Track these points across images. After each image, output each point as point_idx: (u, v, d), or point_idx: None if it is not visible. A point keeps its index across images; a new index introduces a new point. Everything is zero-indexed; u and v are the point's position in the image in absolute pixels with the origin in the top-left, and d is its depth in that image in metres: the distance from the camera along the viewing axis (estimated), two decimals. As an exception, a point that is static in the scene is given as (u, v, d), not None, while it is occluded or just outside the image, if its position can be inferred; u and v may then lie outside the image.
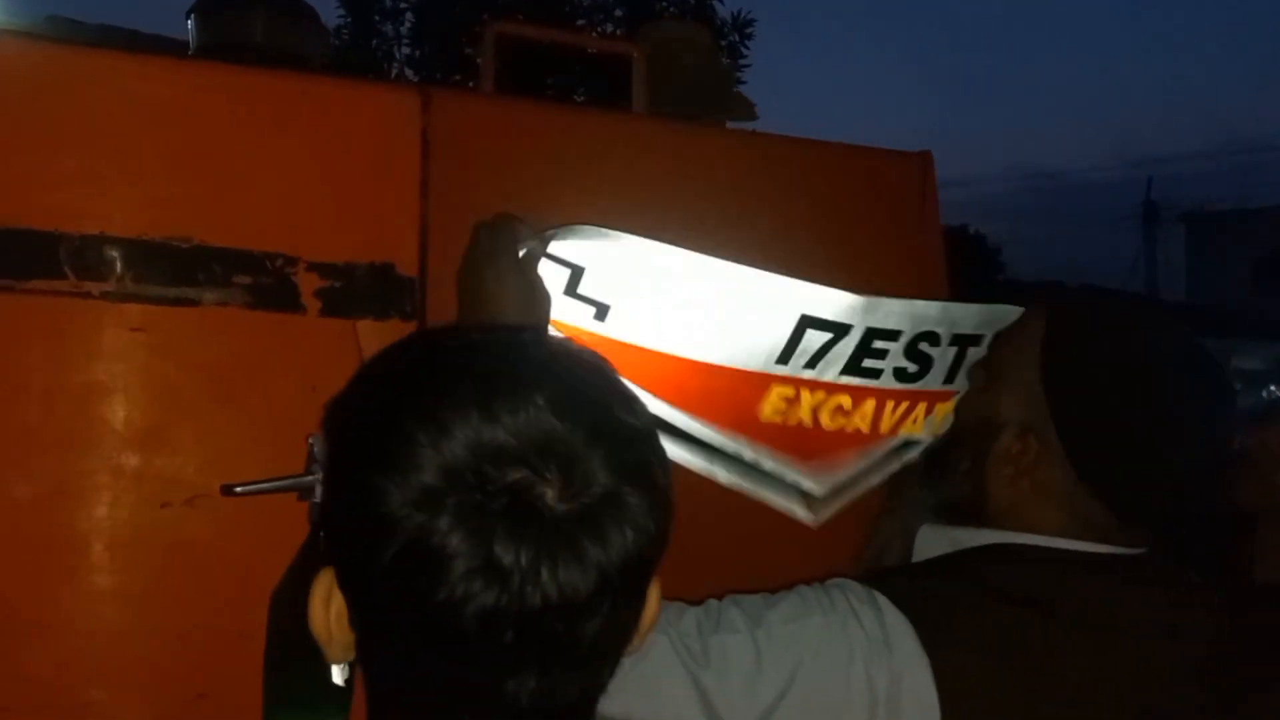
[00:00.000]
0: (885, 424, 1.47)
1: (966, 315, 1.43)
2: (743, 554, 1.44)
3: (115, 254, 1.25)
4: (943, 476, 1.19)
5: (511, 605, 0.62)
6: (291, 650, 1.24)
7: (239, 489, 1.27)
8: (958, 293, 1.59)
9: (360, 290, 1.36)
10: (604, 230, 1.24)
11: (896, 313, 1.39)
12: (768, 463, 1.42)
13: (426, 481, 0.63)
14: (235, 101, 1.32)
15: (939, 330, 1.42)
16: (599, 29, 9.33)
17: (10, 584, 1.21)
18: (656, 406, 1.33)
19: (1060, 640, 1.00)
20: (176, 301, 1.27)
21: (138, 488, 1.25)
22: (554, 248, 1.23)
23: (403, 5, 10.21)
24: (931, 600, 1.02)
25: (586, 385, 0.69)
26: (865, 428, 1.46)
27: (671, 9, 9.74)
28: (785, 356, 1.36)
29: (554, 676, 0.67)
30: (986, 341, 1.42)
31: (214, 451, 1.28)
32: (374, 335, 1.36)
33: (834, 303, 1.35)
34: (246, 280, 1.30)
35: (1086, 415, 1.06)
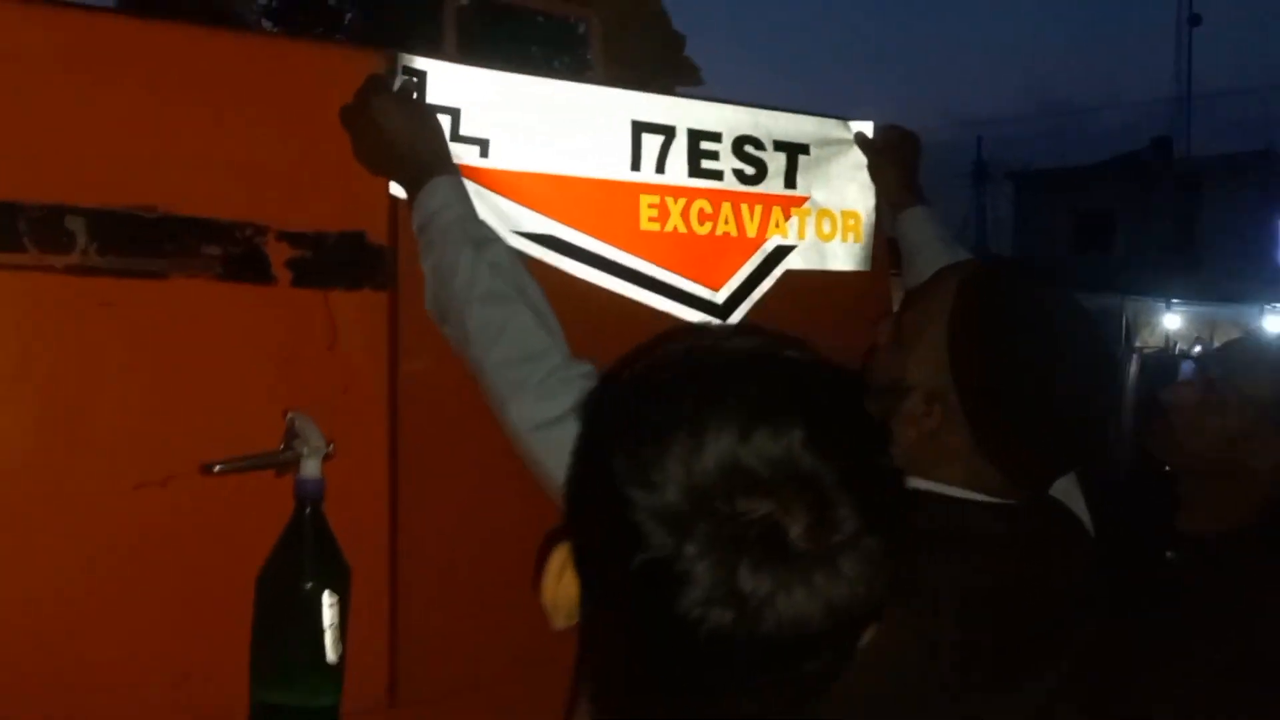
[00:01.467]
0: (751, 228, 1.69)
1: (780, 123, 1.70)
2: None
3: (78, 225, 1.18)
4: None
5: (743, 629, 0.64)
6: (282, 629, 1.22)
7: (217, 467, 1.23)
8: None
9: (332, 260, 1.32)
10: (472, 68, 1.41)
11: (712, 115, 1.63)
12: (660, 274, 1.59)
13: (674, 501, 0.64)
14: (206, 64, 1.26)
15: (758, 135, 1.67)
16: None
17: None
18: (551, 227, 1.49)
19: (943, 557, 1.07)
20: (143, 274, 1.22)
21: (111, 468, 1.20)
22: (430, 93, 1.37)
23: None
24: None
25: (847, 418, 0.70)
26: (734, 231, 1.67)
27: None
28: (636, 163, 1.56)
29: (768, 703, 0.68)
30: (815, 151, 1.74)
31: (189, 429, 1.24)
32: (346, 307, 1.33)
33: (654, 106, 1.57)
34: (215, 251, 1.25)
35: (988, 389, 1.12)
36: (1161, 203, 22.29)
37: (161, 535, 1.23)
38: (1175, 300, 16.94)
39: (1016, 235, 25.72)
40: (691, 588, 0.63)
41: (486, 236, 1.29)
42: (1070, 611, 1.18)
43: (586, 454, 0.73)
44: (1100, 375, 1.16)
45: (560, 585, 0.75)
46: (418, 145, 1.30)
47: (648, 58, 1.63)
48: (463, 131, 1.41)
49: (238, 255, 1.27)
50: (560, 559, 0.75)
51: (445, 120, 1.39)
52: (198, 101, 1.25)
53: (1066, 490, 1.26)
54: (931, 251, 1.70)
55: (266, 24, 9.18)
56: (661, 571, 0.64)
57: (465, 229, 1.27)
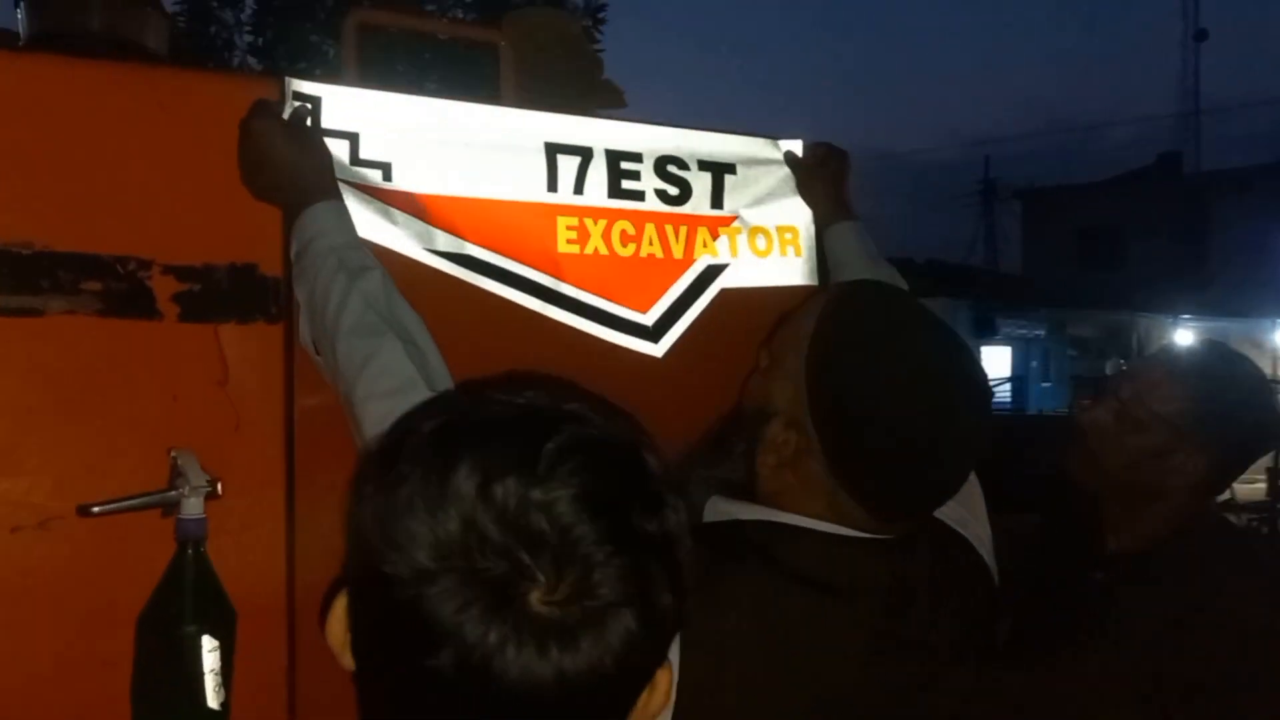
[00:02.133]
0: (677, 249, 1.65)
1: (705, 143, 1.67)
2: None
3: (-53, 262, 1.15)
4: (721, 457, 1.19)
5: (468, 678, 0.62)
6: (162, 674, 1.18)
7: (96, 509, 1.19)
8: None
9: (221, 293, 1.29)
10: (367, 91, 1.39)
11: (631, 136, 1.59)
12: (583, 296, 1.55)
13: (421, 560, 0.63)
14: (79, 94, 1.23)
15: (681, 155, 1.64)
16: (449, 17, 9.15)
17: None
18: (465, 247, 1.45)
19: (806, 602, 1.04)
20: (19, 312, 1.19)
21: (-16, 512, 1.16)
22: (326, 118, 1.35)
23: (241, -10, 9.80)
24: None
25: (612, 478, 0.66)
26: (659, 252, 1.63)
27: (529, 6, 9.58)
28: (552, 184, 1.53)
29: None
30: (742, 171, 1.70)
31: (67, 470, 1.20)
32: (238, 341, 1.30)
33: (570, 128, 1.54)
34: (96, 286, 1.22)
35: (839, 419, 1.08)
36: (1170, 218, 22.20)
37: (39, 579, 1.19)
38: (1185, 316, 16.85)
39: (1025, 253, 25.66)
40: (430, 635, 0.62)
41: (363, 265, 1.24)
42: (949, 659, 1.11)
43: (352, 506, 0.70)
44: (959, 400, 1.08)
45: (343, 627, 0.72)
46: (300, 170, 1.27)
47: (566, 81, 1.60)
48: (362, 155, 1.39)
49: (121, 290, 1.24)
50: (342, 604, 0.73)
51: (343, 145, 1.37)
52: (78, 133, 1.22)
53: (963, 518, 1.21)
54: (856, 267, 1.65)
55: (252, 62, 9.24)
56: (407, 618, 0.63)
57: (341, 256, 1.23)
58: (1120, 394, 1.53)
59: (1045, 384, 18.51)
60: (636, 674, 0.68)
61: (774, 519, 1.10)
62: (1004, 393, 16.66)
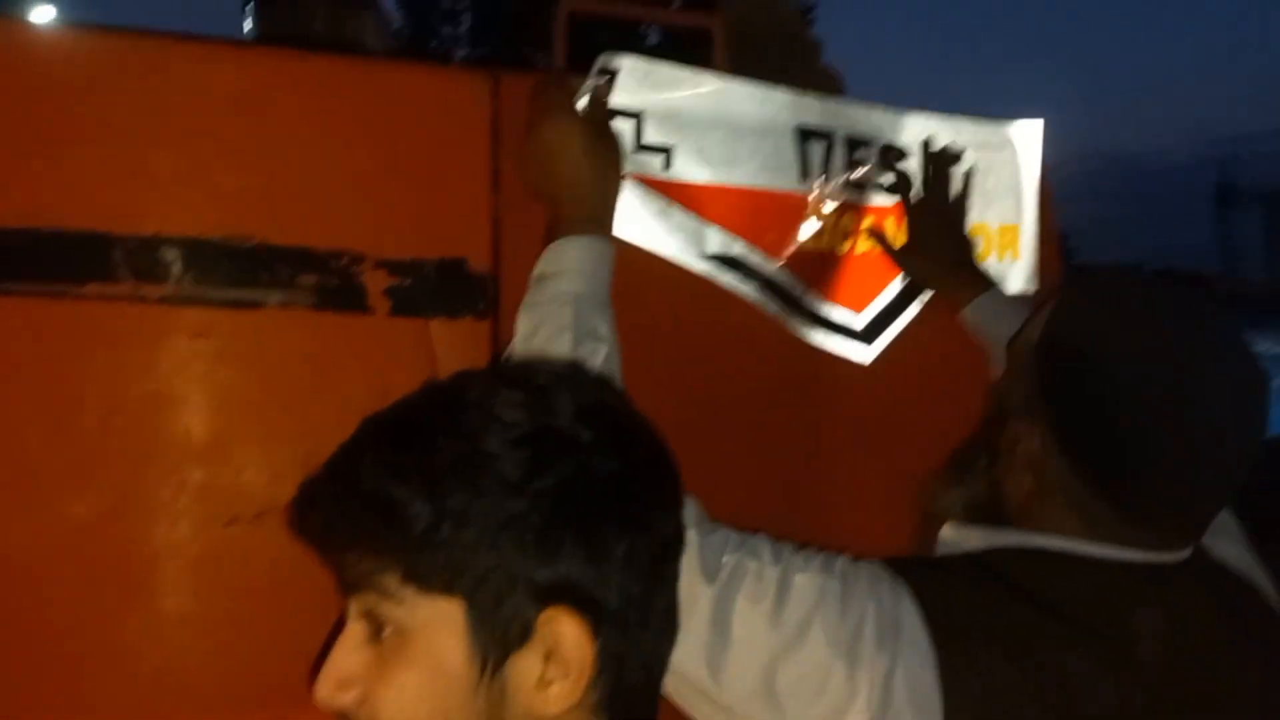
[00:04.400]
0: (898, 245, 1.52)
1: (934, 127, 1.52)
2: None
3: (173, 255, 1.17)
4: (965, 476, 1.07)
5: None
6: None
7: (308, 503, 1.19)
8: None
9: (431, 288, 1.27)
10: (648, 64, 1.30)
11: (866, 120, 1.48)
12: (809, 296, 1.46)
13: None
14: (295, 90, 1.23)
15: (908, 142, 1.51)
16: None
17: (73, 607, 1.14)
18: (734, 247, 1.38)
19: (1072, 648, 0.90)
20: (239, 304, 1.20)
21: (202, 504, 1.18)
22: (615, 97, 1.27)
23: (460, 8, 10.19)
24: (947, 593, 0.93)
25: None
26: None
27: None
28: (804, 172, 1.43)
29: None
30: (969, 157, 1.54)
31: (283, 463, 1.20)
32: (447, 336, 1.28)
33: (816, 109, 1.44)
34: (311, 280, 1.22)
35: (1074, 395, 0.94)
36: None
37: (255, 572, 1.20)
38: None
39: (1268, 262, 23.73)
40: None
41: (594, 333, 1.12)
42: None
43: None
44: (1219, 365, 0.92)
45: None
46: (580, 189, 1.18)
47: (782, 68, 1.51)
48: (645, 139, 1.32)
49: (334, 285, 1.23)
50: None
51: (629, 125, 1.30)
52: (294, 128, 1.23)
53: (1239, 555, 1.04)
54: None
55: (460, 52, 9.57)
56: None
57: (577, 311, 1.12)
58: None
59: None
60: None
61: (1025, 544, 0.97)
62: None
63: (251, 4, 1.55)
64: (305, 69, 1.26)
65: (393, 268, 1.25)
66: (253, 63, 1.24)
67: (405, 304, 1.26)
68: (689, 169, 1.35)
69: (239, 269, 1.20)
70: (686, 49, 1.43)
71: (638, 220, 1.31)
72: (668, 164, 1.33)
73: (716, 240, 1.37)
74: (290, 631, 1.20)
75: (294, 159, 1.23)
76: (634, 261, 1.27)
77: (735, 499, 1.08)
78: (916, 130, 1.52)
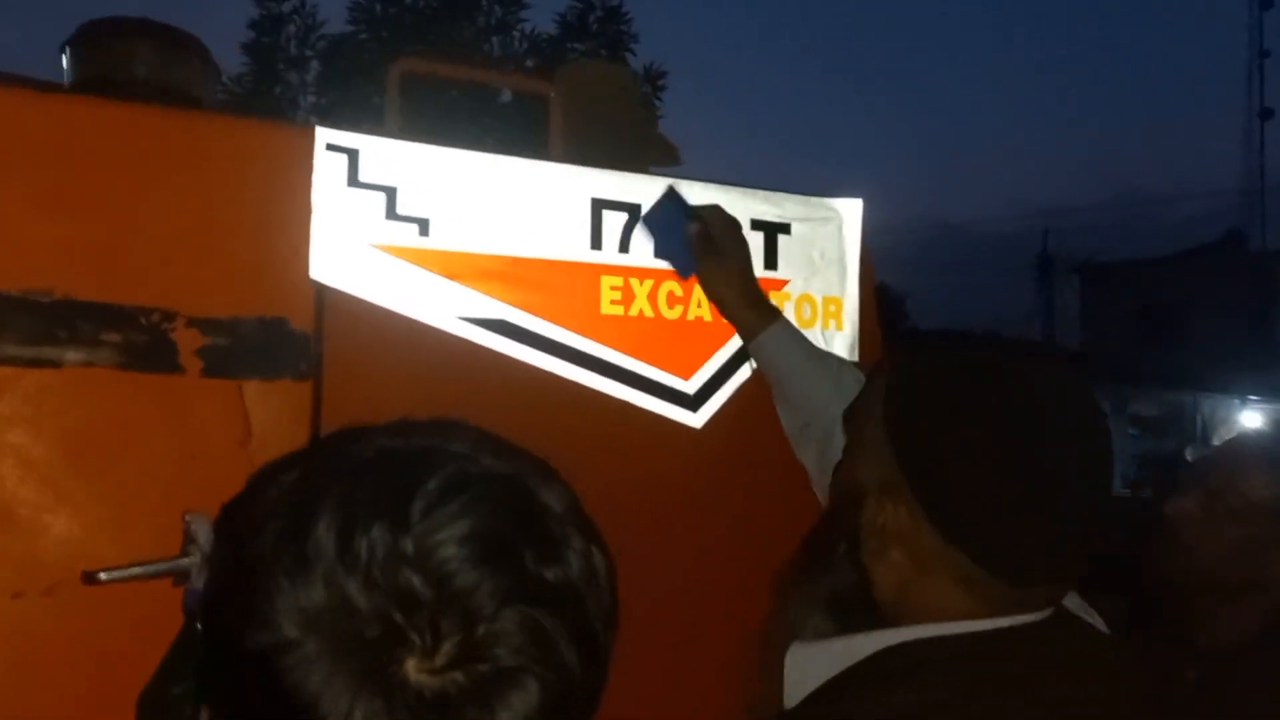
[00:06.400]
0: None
1: (758, 202, 1.58)
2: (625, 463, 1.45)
3: (-37, 309, 1.09)
4: (823, 565, 1.01)
5: None
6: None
7: (103, 575, 1.11)
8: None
9: (247, 348, 1.22)
10: (407, 143, 1.33)
11: (683, 192, 1.50)
12: (625, 361, 1.48)
13: (285, 630, 0.54)
14: (107, 138, 1.18)
15: (733, 214, 1.51)
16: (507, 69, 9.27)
17: None
18: (501, 311, 1.39)
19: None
20: (33, 363, 1.12)
21: (-15, 575, 1.09)
22: (362, 171, 1.30)
23: (308, 54, 10.02)
24: None
25: (502, 518, 0.57)
26: (707, 315, 1.55)
27: (584, 58, 9.74)
28: (596, 242, 1.47)
29: None
30: (796, 231, 1.61)
31: (76, 533, 1.13)
32: (262, 398, 1.23)
33: (616, 183, 1.48)
34: (116, 338, 1.16)
35: (934, 467, 0.91)
36: (1235, 296, 21.76)
37: (41, 647, 1.12)
38: (1253, 397, 16.38)
39: (1083, 329, 25.24)
40: (289, 709, 0.54)
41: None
42: None
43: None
44: (1065, 415, 0.92)
45: None
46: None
47: (619, 135, 1.53)
48: (399, 210, 1.32)
49: (142, 343, 1.17)
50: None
51: (379, 198, 1.31)
52: (105, 179, 1.17)
53: (1078, 604, 1.04)
54: (809, 368, 1.46)
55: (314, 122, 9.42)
56: (269, 689, 0.55)
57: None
58: (1208, 483, 1.41)
59: (1105, 463, 17.97)
60: None
61: (908, 638, 0.92)
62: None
63: (70, 47, 1.48)
64: (118, 116, 1.20)
65: (206, 326, 1.20)
66: (62, 109, 1.18)
67: (219, 364, 1.21)
68: (448, 238, 1.36)
69: (35, 325, 1.12)
70: (523, 114, 1.43)
71: (393, 287, 1.31)
72: (424, 231, 1.34)
73: (479, 304, 1.37)
74: (75, 712, 1.13)
75: (104, 210, 1.17)
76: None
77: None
78: (742, 205, 1.55)
